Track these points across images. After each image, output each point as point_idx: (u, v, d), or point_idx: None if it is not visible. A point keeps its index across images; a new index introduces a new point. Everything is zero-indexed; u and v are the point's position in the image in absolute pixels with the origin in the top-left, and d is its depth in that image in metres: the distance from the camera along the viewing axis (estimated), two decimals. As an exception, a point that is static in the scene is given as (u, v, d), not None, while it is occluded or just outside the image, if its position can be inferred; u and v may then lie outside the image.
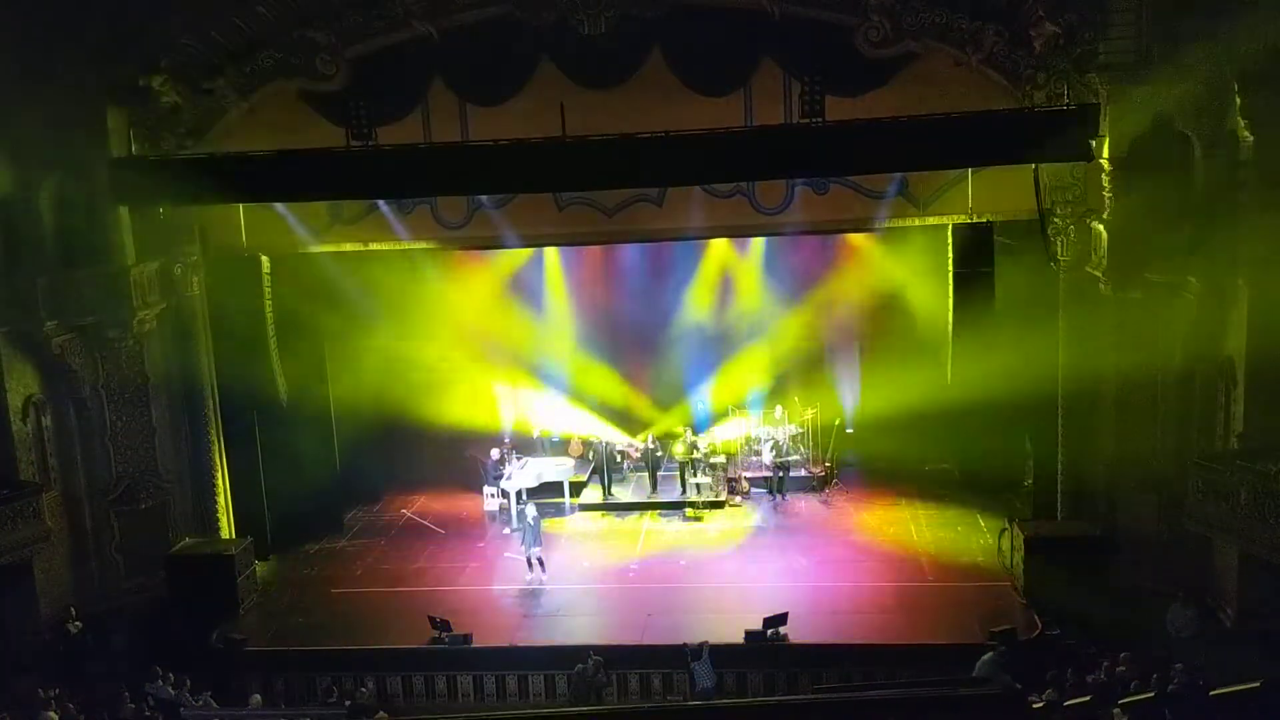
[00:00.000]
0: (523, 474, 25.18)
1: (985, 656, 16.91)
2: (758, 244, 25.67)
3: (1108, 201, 19.60)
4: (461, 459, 26.72)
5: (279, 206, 22.16)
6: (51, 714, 16.18)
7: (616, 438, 26.48)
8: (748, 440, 26.08)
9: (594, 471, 26.33)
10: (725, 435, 26.19)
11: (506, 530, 23.69)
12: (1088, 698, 15.01)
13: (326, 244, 22.88)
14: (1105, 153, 19.35)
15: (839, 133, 18.99)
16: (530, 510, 22.46)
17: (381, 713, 17.37)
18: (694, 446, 25.28)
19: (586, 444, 26.60)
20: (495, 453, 25.47)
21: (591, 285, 26.96)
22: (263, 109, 21.29)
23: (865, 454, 26.88)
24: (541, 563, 21.77)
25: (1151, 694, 14.54)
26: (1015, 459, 23.41)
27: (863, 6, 19.69)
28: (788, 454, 25.33)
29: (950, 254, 22.54)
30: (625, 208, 22.35)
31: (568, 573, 22.17)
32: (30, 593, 20.38)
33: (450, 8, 20.58)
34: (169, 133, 20.97)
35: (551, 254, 26.35)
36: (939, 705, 14.46)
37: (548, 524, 23.44)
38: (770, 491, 25.33)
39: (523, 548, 22.01)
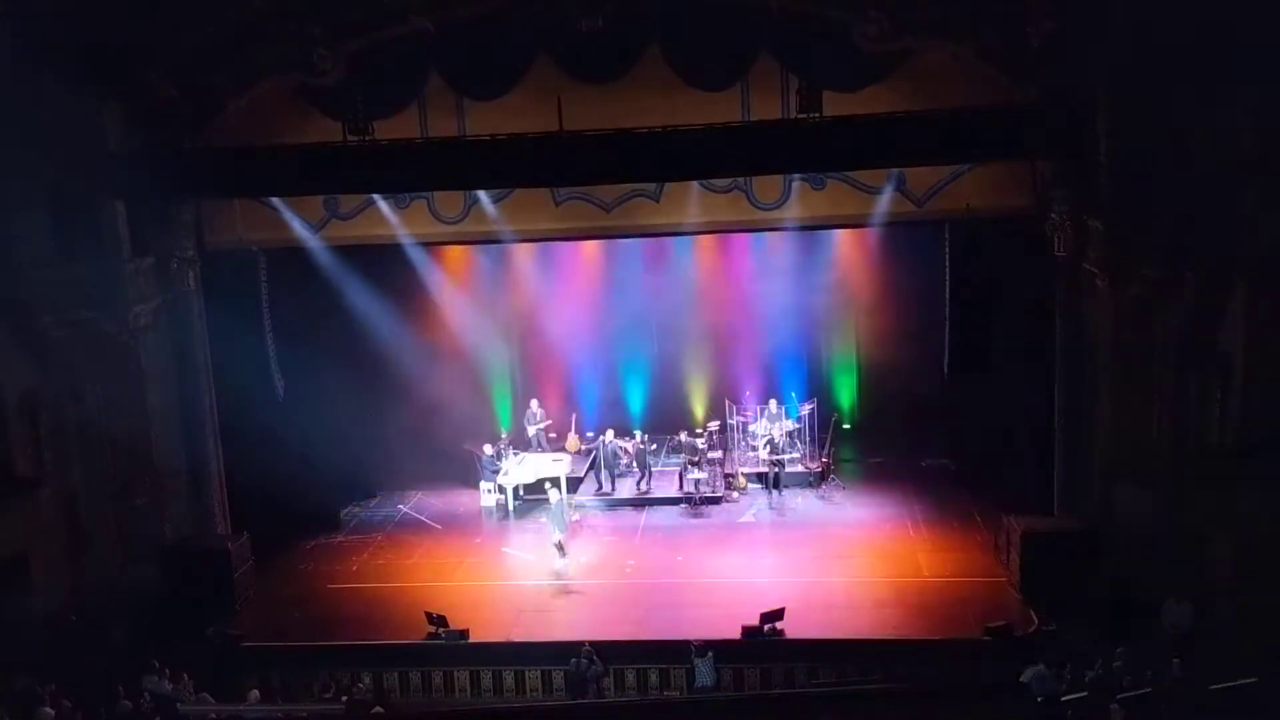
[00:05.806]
0: (520, 469, 25.17)
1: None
2: (755, 239, 25.64)
3: (1105, 197, 19.61)
4: (458, 454, 26.72)
5: (275, 201, 22.17)
6: (48, 709, 16.14)
7: (613, 433, 26.44)
8: (744, 436, 26.04)
9: (591, 467, 26.30)
10: (721, 431, 26.13)
11: (543, 518, 23.67)
12: (1084, 693, 15.05)
13: (323, 238, 22.88)
14: (1102, 148, 19.35)
15: (836, 128, 18.96)
16: (554, 495, 22.60)
17: (378, 708, 17.34)
18: (692, 443, 25.25)
19: (583, 439, 26.55)
20: (490, 448, 25.44)
21: (589, 280, 26.94)
22: (259, 103, 21.25)
23: (862, 449, 26.91)
24: (560, 547, 21.91)
25: (1148, 689, 14.59)
26: (1012, 454, 23.42)
27: (860, 1, 19.68)
28: (784, 450, 25.31)
29: (947, 249, 22.55)
30: (622, 203, 22.41)
31: (565, 568, 22.13)
32: (27, 588, 20.32)
33: (448, 2, 20.55)
34: (166, 127, 20.91)
35: (550, 250, 26.36)
36: (937, 699, 14.52)
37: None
38: (767, 487, 25.31)
39: (553, 532, 22.15)
